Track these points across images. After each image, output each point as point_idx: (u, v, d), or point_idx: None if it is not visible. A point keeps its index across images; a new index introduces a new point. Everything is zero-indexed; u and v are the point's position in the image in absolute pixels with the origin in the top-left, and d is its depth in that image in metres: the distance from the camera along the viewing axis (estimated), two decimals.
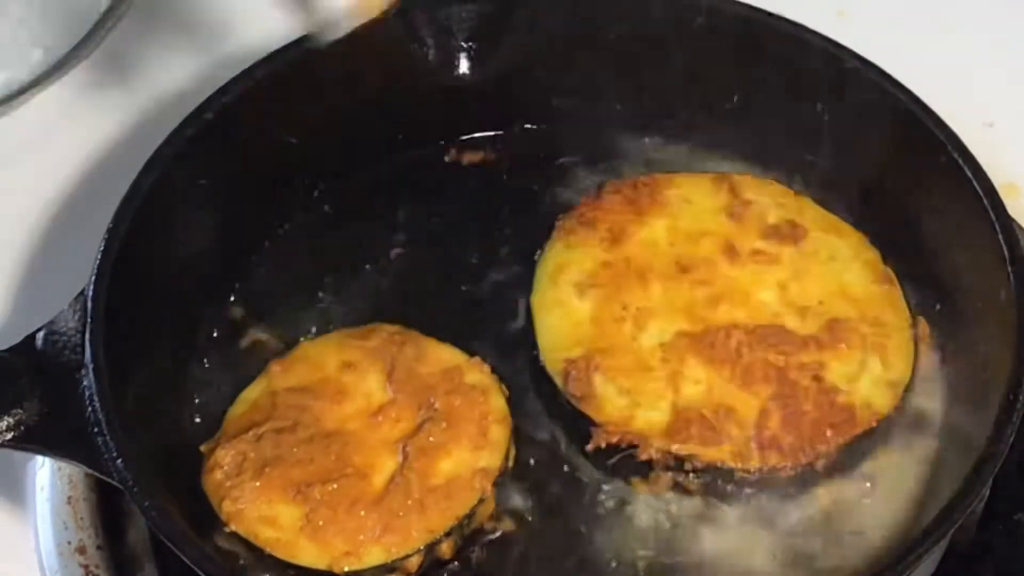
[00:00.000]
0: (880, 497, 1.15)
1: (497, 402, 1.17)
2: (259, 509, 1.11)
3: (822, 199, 1.31)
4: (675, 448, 1.14)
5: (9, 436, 1.08)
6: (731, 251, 1.25)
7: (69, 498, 1.20)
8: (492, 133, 1.39)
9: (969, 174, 1.18)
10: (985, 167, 1.19)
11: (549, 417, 1.20)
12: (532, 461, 1.18)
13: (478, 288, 1.29)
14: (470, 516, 1.12)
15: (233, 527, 1.10)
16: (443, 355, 1.20)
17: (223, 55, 1.53)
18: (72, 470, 1.21)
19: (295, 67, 1.28)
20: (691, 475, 1.15)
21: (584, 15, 1.33)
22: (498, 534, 1.14)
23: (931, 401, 1.20)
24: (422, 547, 1.10)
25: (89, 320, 1.10)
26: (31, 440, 1.08)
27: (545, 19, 1.33)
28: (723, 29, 1.30)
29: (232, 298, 1.28)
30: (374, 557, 1.09)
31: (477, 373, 1.19)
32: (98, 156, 1.47)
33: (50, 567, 1.17)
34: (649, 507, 1.15)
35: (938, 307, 1.22)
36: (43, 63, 1.48)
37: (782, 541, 1.13)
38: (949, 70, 1.45)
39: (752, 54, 1.29)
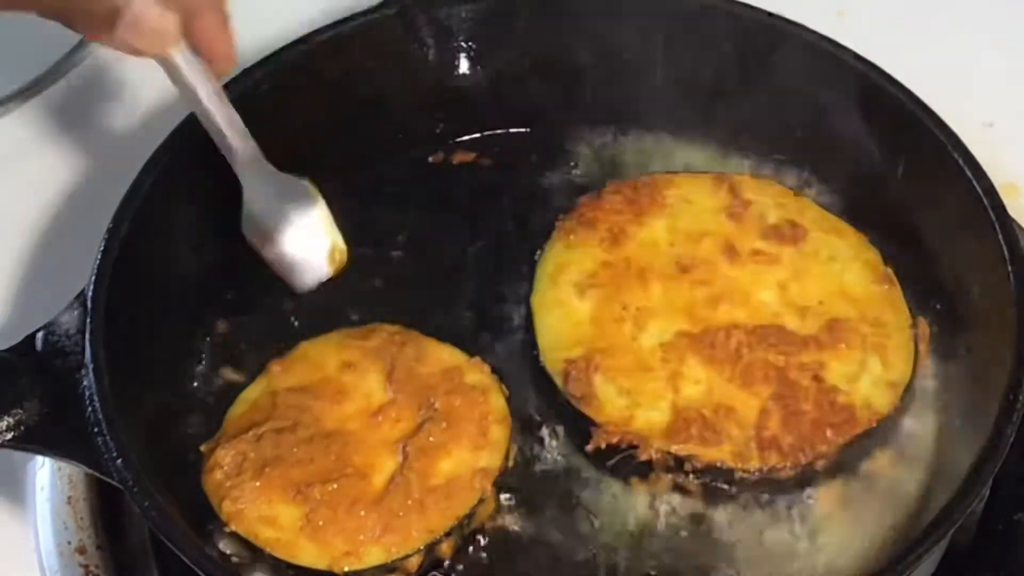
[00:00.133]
0: (880, 497, 1.15)
1: (497, 402, 1.17)
2: (259, 509, 1.11)
3: (822, 199, 1.31)
4: (675, 448, 1.14)
5: (9, 436, 1.08)
6: (731, 251, 1.25)
7: (69, 498, 1.20)
8: (492, 133, 1.39)
9: (969, 174, 1.18)
10: (985, 167, 1.19)
11: (549, 417, 1.20)
12: (532, 461, 1.18)
13: (478, 288, 1.29)
14: (470, 516, 1.12)
15: (233, 527, 1.10)
16: (443, 355, 1.20)
17: None
18: (72, 470, 1.21)
19: (294, 67, 1.29)
20: (691, 475, 1.15)
21: (584, 16, 1.33)
22: (498, 534, 1.14)
23: (931, 401, 1.20)
24: (422, 547, 1.10)
25: (89, 320, 1.11)
26: (31, 440, 1.08)
27: (545, 19, 1.34)
28: (723, 29, 1.30)
29: (232, 297, 1.28)
30: (374, 557, 1.09)
31: (477, 373, 1.19)
32: (98, 156, 1.47)
33: (50, 567, 1.17)
34: (649, 508, 1.15)
35: (938, 307, 1.22)
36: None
37: (782, 541, 1.13)
38: (949, 70, 1.45)
39: (752, 54, 1.29)
